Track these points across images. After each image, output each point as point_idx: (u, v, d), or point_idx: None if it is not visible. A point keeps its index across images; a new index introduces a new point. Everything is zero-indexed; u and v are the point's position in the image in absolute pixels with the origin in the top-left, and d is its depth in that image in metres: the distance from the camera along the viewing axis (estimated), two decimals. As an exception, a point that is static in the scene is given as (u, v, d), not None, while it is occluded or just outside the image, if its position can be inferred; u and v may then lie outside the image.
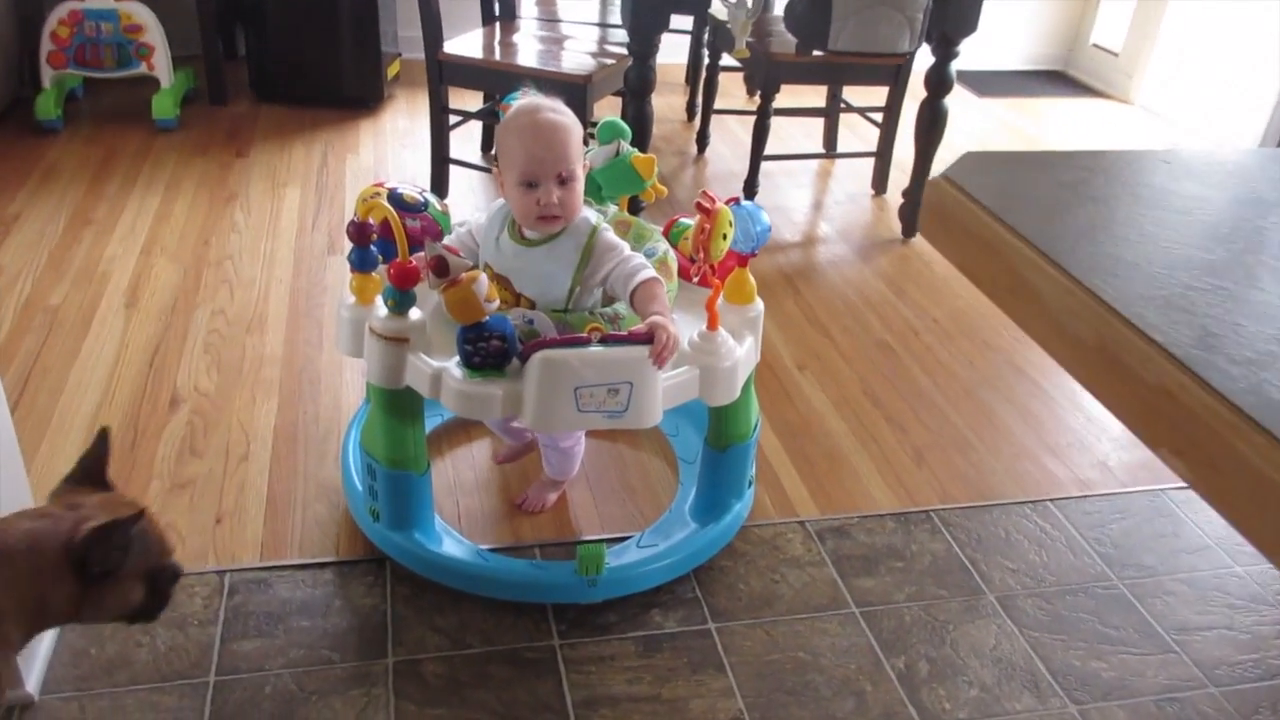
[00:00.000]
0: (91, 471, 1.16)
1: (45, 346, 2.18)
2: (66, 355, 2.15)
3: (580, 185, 1.54)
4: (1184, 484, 0.83)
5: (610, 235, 1.56)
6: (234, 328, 2.30)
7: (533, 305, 1.55)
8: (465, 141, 3.25)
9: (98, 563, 1.05)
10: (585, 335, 1.45)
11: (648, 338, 1.44)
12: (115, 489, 1.17)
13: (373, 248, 1.53)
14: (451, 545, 1.67)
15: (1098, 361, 0.68)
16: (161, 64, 3.27)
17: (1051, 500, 1.96)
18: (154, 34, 3.24)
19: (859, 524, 1.87)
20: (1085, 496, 1.98)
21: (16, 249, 2.54)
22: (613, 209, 1.78)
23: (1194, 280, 0.71)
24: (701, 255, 1.55)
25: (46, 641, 1.48)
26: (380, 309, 1.51)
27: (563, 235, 1.54)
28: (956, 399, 2.26)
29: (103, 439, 1.17)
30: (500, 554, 1.70)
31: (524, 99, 1.58)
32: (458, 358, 1.45)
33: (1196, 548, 1.87)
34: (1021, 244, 0.72)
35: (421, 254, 1.44)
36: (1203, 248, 0.77)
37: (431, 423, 1.96)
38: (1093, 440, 2.16)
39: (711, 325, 1.55)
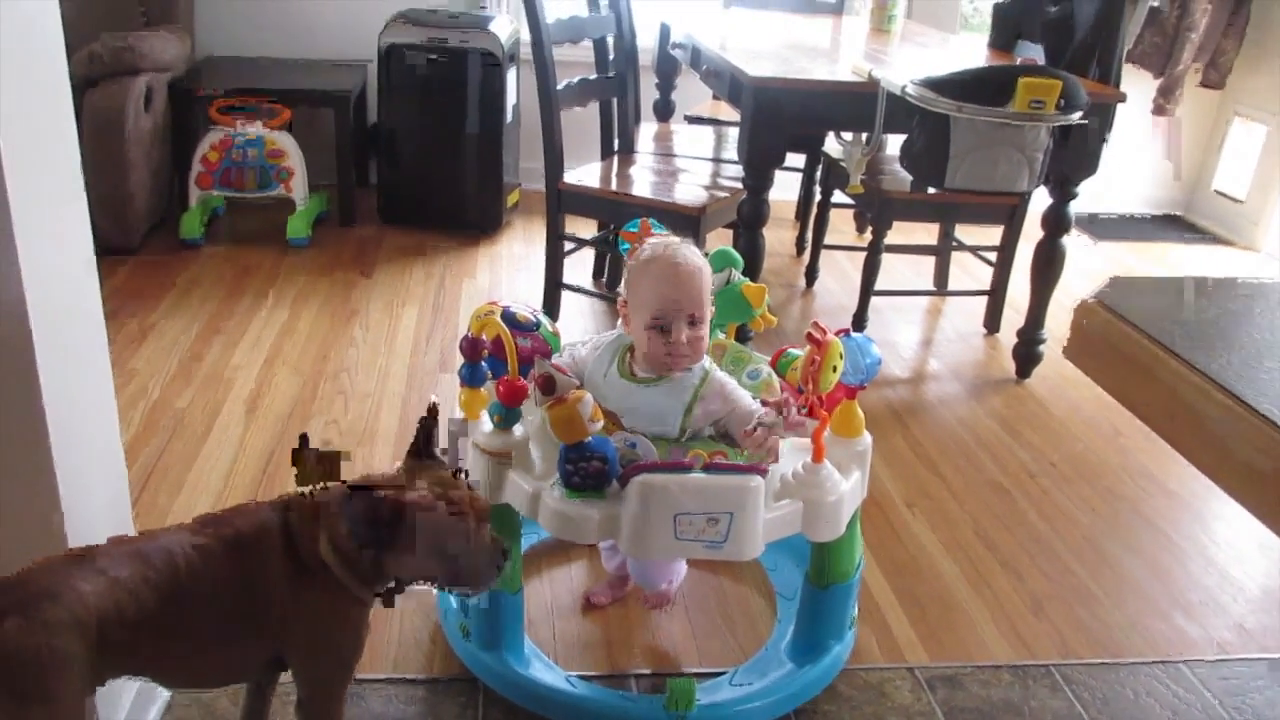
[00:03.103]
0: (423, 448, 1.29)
1: (168, 448, 2.26)
2: (187, 457, 2.23)
3: (707, 327, 1.55)
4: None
5: (722, 375, 1.57)
6: (346, 438, 2.35)
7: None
8: (578, 268, 3.33)
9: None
10: (687, 461, 1.43)
11: (751, 468, 1.42)
12: (445, 466, 1.30)
13: (483, 364, 1.55)
14: (540, 669, 1.63)
15: (1277, 491, 0.62)
16: (299, 187, 3.48)
17: (1185, 662, 1.82)
18: (295, 160, 3.46)
19: (972, 674, 1.75)
20: (1223, 660, 1.83)
21: (151, 354, 2.67)
22: (719, 336, 1.78)
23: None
24: (810, 386, 1.53)
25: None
26: (485, 424, 1.52)
27: (676, 376, 1.54)
28: (1077, 547, 2.14)
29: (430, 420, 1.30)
30: (591, 681, 1.65)
31: (656, 240, 1.60)
32: (557, 477, 1.44)
33: (1352, 727, 1.69)
34: (1185, 369, 0.68)
35: (533, 371, 1.46)
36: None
37: (529, 541, 1.95)
38: (1228, 600, 2.00)
39: (817, 457, 1.51)
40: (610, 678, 1.69)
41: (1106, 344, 0.75)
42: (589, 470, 1.41)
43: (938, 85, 2.29)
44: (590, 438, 1.40)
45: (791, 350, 1.74)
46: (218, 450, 2.26)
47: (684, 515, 1.39)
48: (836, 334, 1.53)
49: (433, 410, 1.31)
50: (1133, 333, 0.72)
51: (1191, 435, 0.68)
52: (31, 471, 1.22)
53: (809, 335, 1.49)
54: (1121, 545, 2.16)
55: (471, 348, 1.53)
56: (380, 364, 2.72)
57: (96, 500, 1.37)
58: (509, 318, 1.69)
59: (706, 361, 1.57)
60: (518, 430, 1.51)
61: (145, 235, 3.35)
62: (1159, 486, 2.40)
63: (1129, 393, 0.75)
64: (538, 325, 1.73)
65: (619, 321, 1.62)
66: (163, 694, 1.56)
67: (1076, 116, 2.32)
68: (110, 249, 3.14)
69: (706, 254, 1.77)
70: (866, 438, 1.61)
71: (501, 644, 1.61)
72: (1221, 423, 0.65)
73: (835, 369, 1.49)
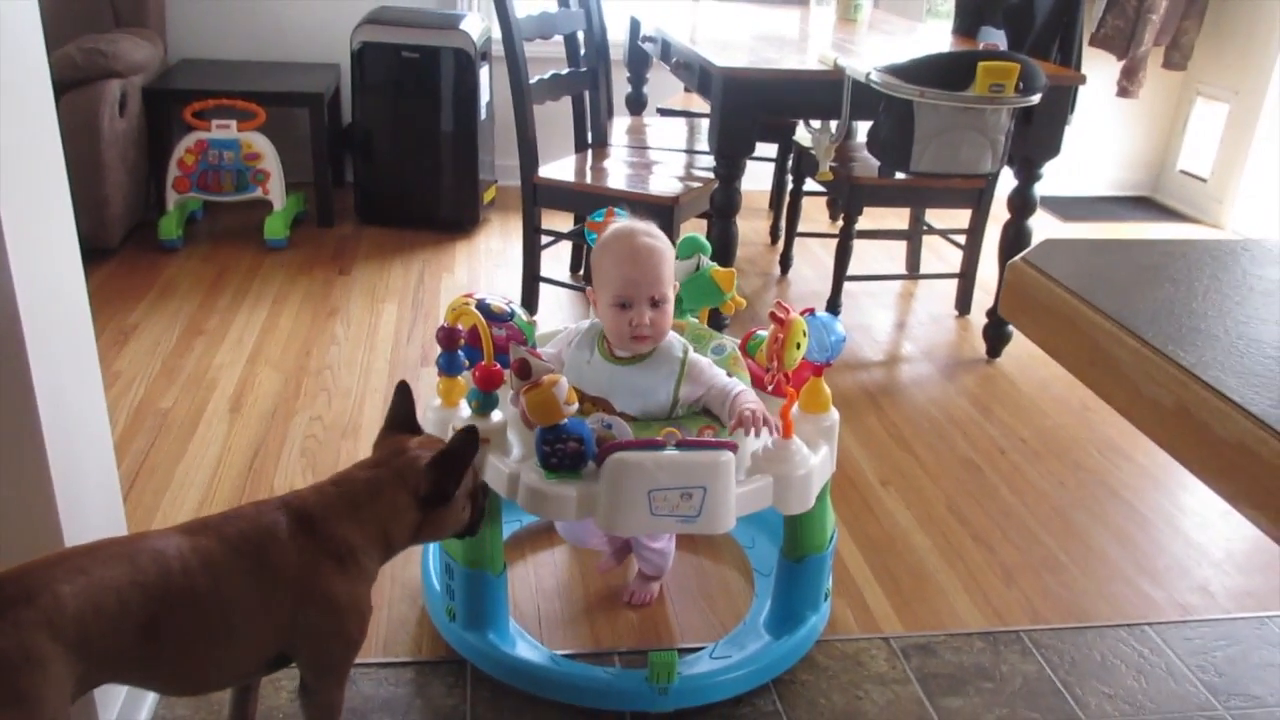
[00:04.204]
0: (399, 420, 1.42)
1: (154, 447, 2.29)
2: (173, 456, 2.26)
3: (670, 307, 1.60)
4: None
5: (700, 358, 1.62)
6: (330, 433, 2.38)
7: (634, 420, 1.58)
8: (555, 261, 3.37)
9: (442, 490, 1.32)
10: (660, 439, 1.47)
11: (722, 444, 1.46)
12: (424, 432, 1.43)
13: (459, 352, 1.60)
14: (525, 648, 1.67)
15: (1176, 422, 0.71)
16: (276, 189, 3.50)
17: (1149, 624, 1.88)
18: (271, 161, 3.48)
19: (945, 642, 1.81)
20: (1185, 622, 1.89)
21: (133, 356, 2.70)
22: (690, 319, 1.83)
23: (1274, 352, 0.73)
24: (775, 364, 1.57)
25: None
26: (464, 411, 1.57)
27: (656, 354, 1.59)
28: (1046, 519, 2.20)
29: (404, 392, 1.43)
30: (575, 659, 1.69)
31: (618, 222, 1.65)
32: (535, 459, 1.48)
33: (1310, 681, 1.76)
34: (1101, 318, 0.75)
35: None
36: (1282, 324, 0.78)
37: (511, 527, 1.99)
38: (1192, 564, 2.07)
39: (785, 433, 1.55)
40: (594, 655, 1.73)
41: (1034, 300, 0.81)
42: (566, 451, 1.45)
43: (901, 71, 2.35)
44: (566, 419, 1.45)
45: (760, 332, 1.78)
46: (203, 449, 2.30)
47: (658, 491, 1.44)
48: (802, 313, 1.58)
49: (404, 386, 1.45)
50: (1056, 288, 0.78)
51: (1108, 379, 0.75)
52: (26, 470, 1.24)
53: (772, 314, 1.54)
54: (1089, 516, 2.22)
55: (447, 337, 1.57)
56: (362, 360, 2.76)
57: (90, 499, 1.39)
58: (484, 308, 1.73)
59: (681, 339, 1.62)
60: (495, 415, 1.55)
61: (123, 238, 3.37)
62: (1125, 459, 2.46)
63: (1054, 343, 0.81)
64: (512, 315, 1.77)
65: (590, 309, 1.66)
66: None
67: (1035, 99, 2.38)
68: (88, 251, 3.15)
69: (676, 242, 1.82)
70: (833, 413, 1.66)
71: (487, 625, 1.66)
72: (1132, 365, 0.71)
73: (799, 346, 1.55)
